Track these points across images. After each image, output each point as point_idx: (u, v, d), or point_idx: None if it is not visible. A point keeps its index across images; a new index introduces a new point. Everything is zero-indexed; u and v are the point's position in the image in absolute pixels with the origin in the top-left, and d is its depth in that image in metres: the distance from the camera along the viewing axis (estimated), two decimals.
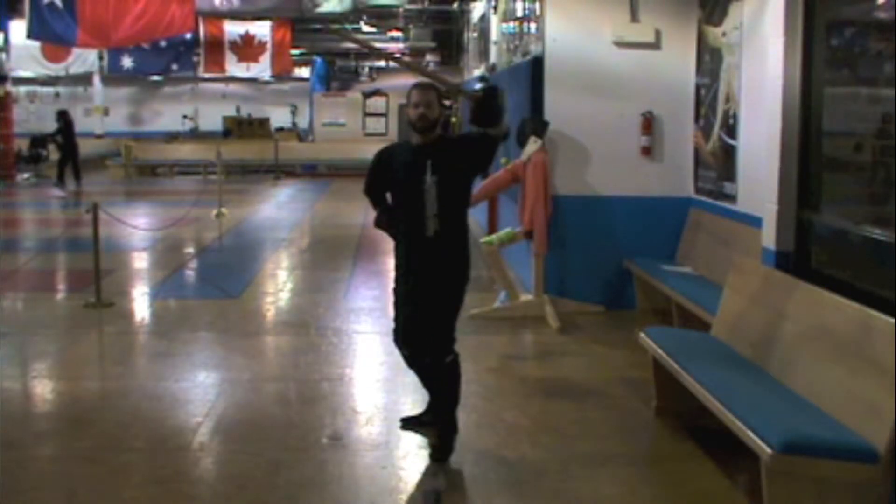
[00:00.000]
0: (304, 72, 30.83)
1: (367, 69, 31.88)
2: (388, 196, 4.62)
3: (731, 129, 6.74)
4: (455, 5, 19.23)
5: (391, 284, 4.66)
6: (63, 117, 20.75)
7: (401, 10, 21.13)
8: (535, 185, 7.29)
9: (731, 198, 6.74)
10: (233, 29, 23.64)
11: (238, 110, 29.96)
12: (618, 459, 4.56)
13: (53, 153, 24.13)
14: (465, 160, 4.43)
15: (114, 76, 26.16)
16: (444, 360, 4.44)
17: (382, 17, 23.02)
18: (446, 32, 22.01)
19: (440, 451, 4.47)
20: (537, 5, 8.52)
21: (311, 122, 26.68)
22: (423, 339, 4.48)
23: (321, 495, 4.13)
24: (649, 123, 7.64)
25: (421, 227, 4.34)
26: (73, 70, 24.01)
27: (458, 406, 4.56)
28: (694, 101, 7.53)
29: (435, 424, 4.58)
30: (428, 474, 4.35)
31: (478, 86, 4.33)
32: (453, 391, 4.53)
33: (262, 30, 23.67)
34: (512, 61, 9.97)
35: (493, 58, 12.47)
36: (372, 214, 4.82)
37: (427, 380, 4.70)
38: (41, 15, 17.07)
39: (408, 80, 30.10)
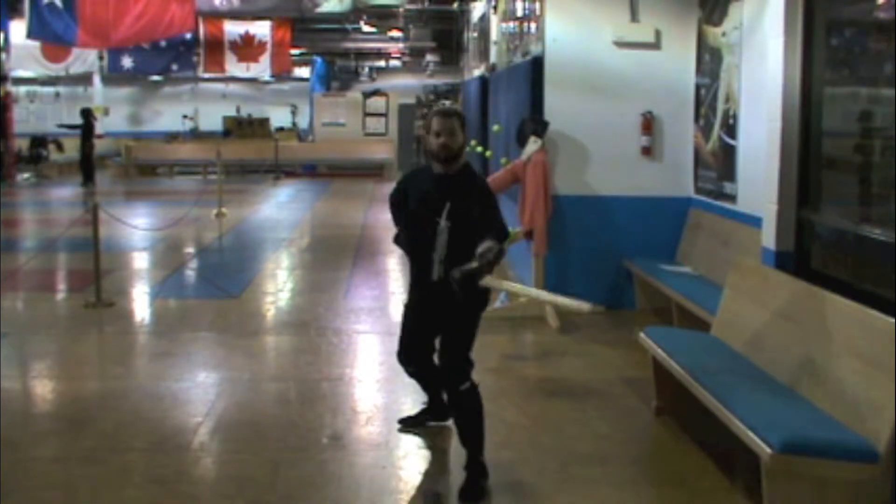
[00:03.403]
0: (304, 72, 30.77)
1: (367, 69, 31.86)
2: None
3: (731, 129, 6.74)
4: (455, 5, 19.22)
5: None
6: (86, 116, 20.82)
7: (401, 10, 21.12)
8: (535, 185, 7.29)
9: (731, 198, 6.74)
10: (233, 29, 23.63)
11: (238, 110, 29.91)
12: (618, 459, 4.56)
13: (54, 153, 24.20)
14: (479, 209, 4.11)
15: (114, 76, 26.15)
16: (458, 389, 4.18)
17: (382, 17, 23.01)
18: (446, 32, 22.00)
19: (471, 496, 4.08)
20: (537, 5, 8.52)
21: (311, 122, 26.63)
22: (429, 360, 4.44)
23: (321, 495, 4.13)
24: (649, 123, 7.64)
25: (426, 270, 4.16)
26: (73, 70, 23.98)
27: (483, 445, 4.21)
28: (694, 101, 7.53)
29: (470, 470, 4.19)
30: (429, 476, 4.36)
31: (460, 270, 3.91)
32: (477, 427, 4.20)
33: (261, 30, 23.66)
34: (512, 61, 9.97)
35: (493, 58, 12.47)
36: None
37: (443, 404, 4.65)
38: (41, 15, 17.06)
39: (408, 80, 30.15)
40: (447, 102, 22.07)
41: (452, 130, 4.11)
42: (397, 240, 4.59)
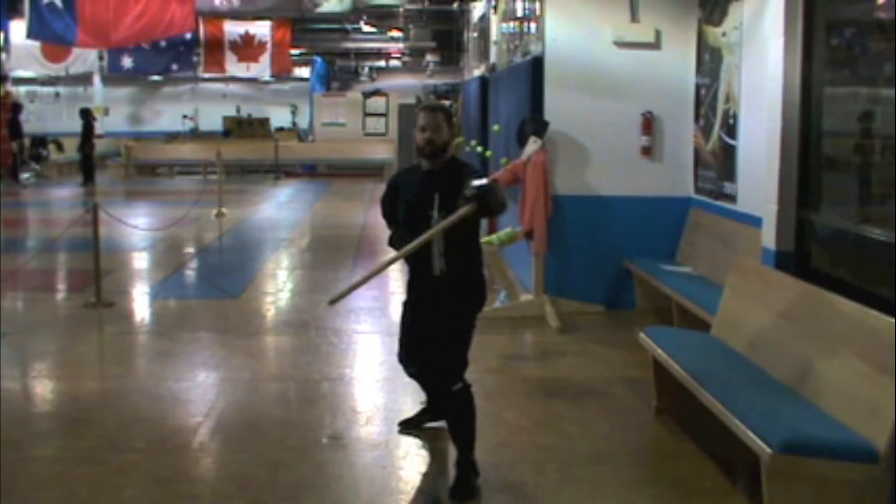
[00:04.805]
0: (304, 72, 30.77)
1: (367, 69, 31.85)
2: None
3: (731, 129, 6.74)
4: (455, 5, 19.20)
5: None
6: (86, 116, 20.82)
7: (401, 10, 21.11)
8: (535, 185, 7.29)
9: (731, 198, 6.74)
10: (233, 29, 23.63)
11: (238, 110, 29.90)
12: (618, 459, 4.56)
13: (54, 153, 24.18)
14: None
15: (114, 76, 26.12)
16: (451, 388, 4.16)
17: (382, 17, 23.01)
18: (446, 32, 21.99)
19: (461, 494, 4.09)
20: (537, 5, 8.52)
21: (311, 122, 26.63)
22: (428, 360, 4.38)
23: (321, 495, 4.13)
24: (649, 123, 7.64)
25: (426, 266, 4.14)
26: (73, 70, 23.96)
27: (474, 445, 4.21)
28: (694, 101, 7.53)
29: (461, 466, 4.20)
30: (429, 476, 4.36)
31: (474, 183, 3.94)
32: (468, 426, 4.20)
33: (262, 30, 23.66)
34: (512, 61, 9.97)
35: (493, 58, 12.46)
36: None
37: (439, 403, 4.61)
38: (41, 15, 17.05)
39: (408, 80, 30.05)
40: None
41: (438, 126, 4.12)
42: (392, 242, 4.53)
